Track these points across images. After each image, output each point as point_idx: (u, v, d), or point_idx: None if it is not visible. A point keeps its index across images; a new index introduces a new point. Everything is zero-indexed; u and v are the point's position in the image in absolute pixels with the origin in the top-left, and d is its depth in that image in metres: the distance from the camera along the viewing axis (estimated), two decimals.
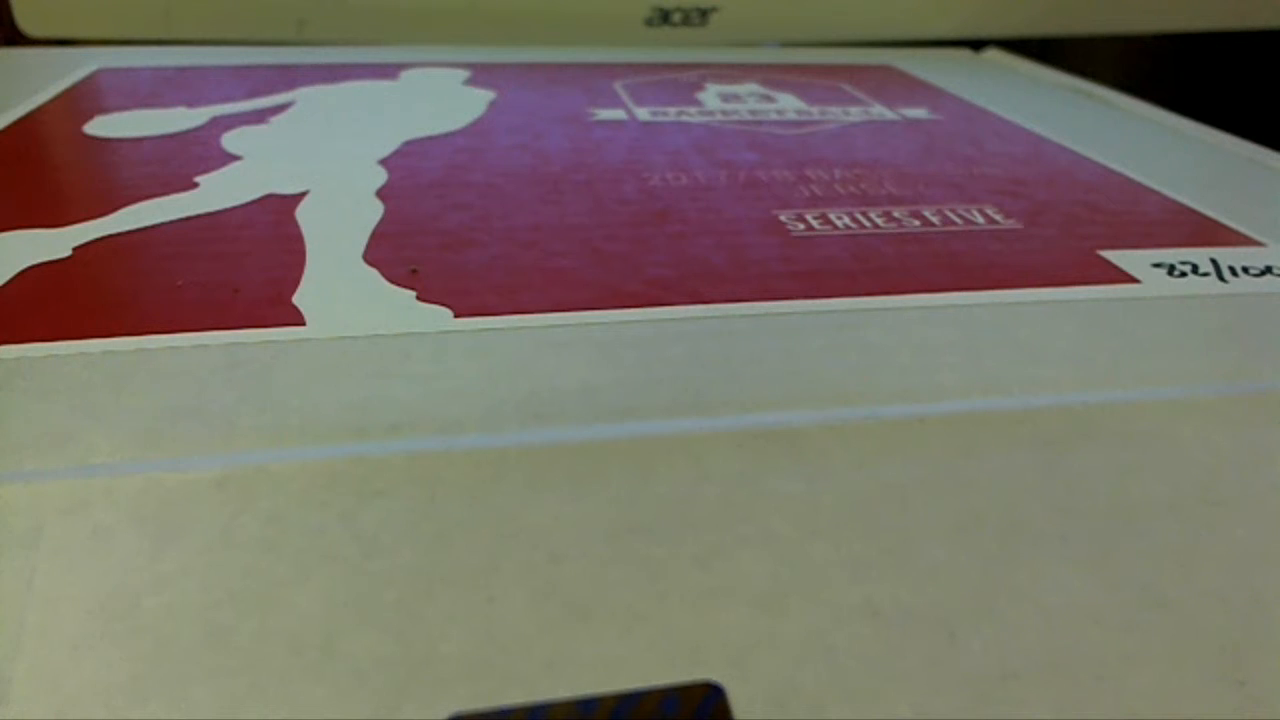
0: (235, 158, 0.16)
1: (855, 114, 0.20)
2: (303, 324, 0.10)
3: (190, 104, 0.19)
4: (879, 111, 0.20)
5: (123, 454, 0.08)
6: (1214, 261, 0.13)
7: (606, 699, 0.07)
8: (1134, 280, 0.12)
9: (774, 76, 0.23)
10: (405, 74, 0.22)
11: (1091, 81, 0.23)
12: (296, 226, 0.13)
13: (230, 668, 0.07)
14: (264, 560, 0.08)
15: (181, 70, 0.22)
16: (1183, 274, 0.12)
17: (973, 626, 0.07)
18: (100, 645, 0.07)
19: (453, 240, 0.13)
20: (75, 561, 0.07)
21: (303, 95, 0.20)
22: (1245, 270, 0.13)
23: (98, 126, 0.17)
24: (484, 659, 0.07)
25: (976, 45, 0.28)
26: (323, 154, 0.16)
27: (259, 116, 0.18)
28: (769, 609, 0.07)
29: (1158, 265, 0.13)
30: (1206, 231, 0.14)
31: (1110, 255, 0.13)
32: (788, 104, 0.20)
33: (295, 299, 0.11)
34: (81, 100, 0.19)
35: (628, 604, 0.07)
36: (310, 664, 0.07)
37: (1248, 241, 0.13)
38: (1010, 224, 0.14)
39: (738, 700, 0.07)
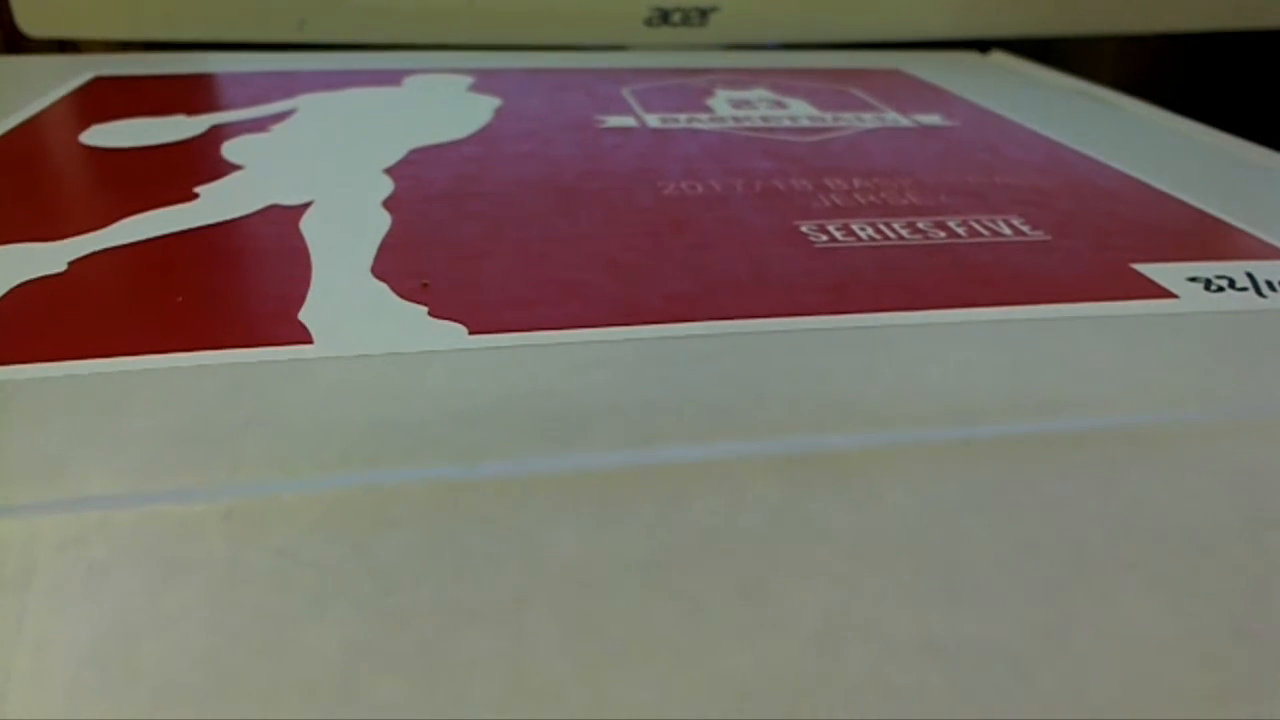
0: (236, 167, 0.15)
1: (869, 120, 0.19)
2: (310, 342, 0.10)
3: (189, 112, 0.18)
4: (892, 118, 0.20)
5: (121, 485, 0.08)
6: (1250, 275, 0.12)
7: None
8: (1171, 295, 0.12)
9: (782, 81, 0.22)
10: (409, 80, 0.21)
11: (1092, 82, 0.23)
12: (301, 238, 0.13)
13: (238, 717, 0.07)
14: (274, 599, 0.07)
15: (180, 77, 0.21)
16: (1220, 289, 0.12)
17: (1044, 661, 0.07)
18: (96, 692, 0.07)
19: (464, 252, 0.12)
20: (69, 602, 0.07)
21: (305, 102, 0.19)
22: None
23: (94, 135, 0.17)
24: (515, 705, 0.07)
25: (979, 45, 0.27)
26: (326, 163, 0.16)
27: (260, 124, 0.18)
28: (822, 647, 0.07)
29: (1193, 279, 0.12)
30: (1237, 243, 0.13)
31: (1144, 269, 0.12)
32: (799, 110, 0.20)
33: (301, 315, 0.10)
34: (78, 108, 0.19)
35: (669, 642, 0.07)
36: (326, 712, 0.07)
37: (1279, 254, 0.13)
38: (1038, 235, 0.13)
39: None
